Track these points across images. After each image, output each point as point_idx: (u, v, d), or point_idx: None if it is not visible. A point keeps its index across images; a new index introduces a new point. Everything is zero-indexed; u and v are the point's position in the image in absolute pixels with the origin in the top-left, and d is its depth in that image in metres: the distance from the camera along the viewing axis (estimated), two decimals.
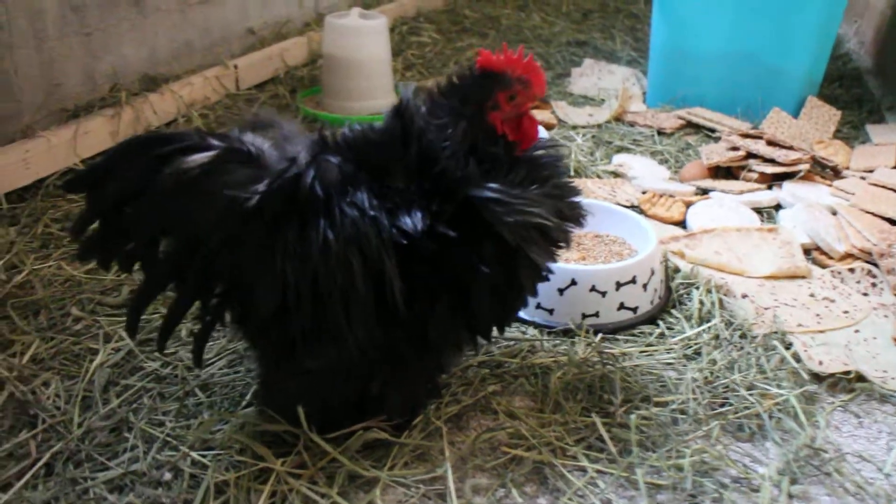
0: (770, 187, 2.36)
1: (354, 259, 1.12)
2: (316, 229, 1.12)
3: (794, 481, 1.30)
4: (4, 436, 1.35)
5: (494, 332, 1.32)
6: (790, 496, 1.27)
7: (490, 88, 1.25)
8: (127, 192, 1.14)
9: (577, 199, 1.30)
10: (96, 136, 2.31)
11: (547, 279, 1.30)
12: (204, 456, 1.32)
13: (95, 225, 1.18)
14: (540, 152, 1.30)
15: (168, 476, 1.29)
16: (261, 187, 1.13)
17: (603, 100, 3.07)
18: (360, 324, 1.15)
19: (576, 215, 1.30)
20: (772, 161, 2.41)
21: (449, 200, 1.18)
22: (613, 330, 1.66)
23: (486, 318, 1.27)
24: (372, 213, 1.14)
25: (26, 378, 1.48)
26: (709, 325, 1.67)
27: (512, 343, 1.61)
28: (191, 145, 1.14)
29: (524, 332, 1.65)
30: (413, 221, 1.15)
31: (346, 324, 1.14)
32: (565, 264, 1.68)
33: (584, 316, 1.65)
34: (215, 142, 1.16)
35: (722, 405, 1.47)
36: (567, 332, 1.64)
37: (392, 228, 1.14)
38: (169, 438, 1.35)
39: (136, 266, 1.21)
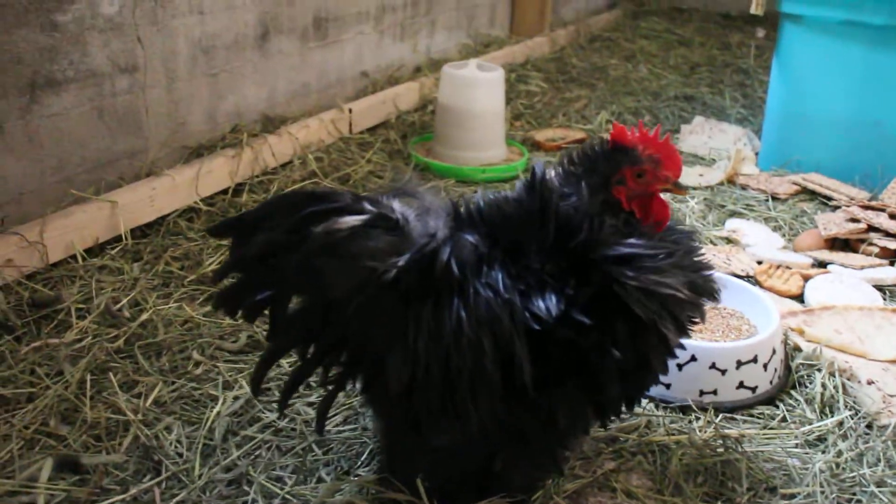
0: (893, 263, 2.27)
1: (486, 341, 1.12)
2: (450, 308, 1.13)
3: None
4: (130, 479, 1.39)
5: (623, 410, 1.30)
6: None
7: (618, 162, 1.24)
8: (274, 245, 1.16)
9: (710, 272, 1.28)
10: (217, 175, 2.38)
11: (675, 356, 1.27)
12: None
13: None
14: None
15: None
16: (401, 261, 1.13)
17: (714, 160, 3.02)
18: (487, 405, 1.14)
19: (710, 288, 1.27)
20: (895, 236, 2.33)
21: (585, 280, 1.16)
22: (731, 409, 1.62)
23: (616, 400, 1.25)
24: (506, 295, 1.14)
25: (150, 422, 1.52)
26: (833, 413, 1.61)
27: (629, 417, 1.58)
28: (344, 207, 1.15)
29: (641, 407, 1.62)
30: (547, 306, 1.14)
31: (473, 404, 1.14)
32: (686, 340, 1.65)
33: (702, 393, 1.62)
34: (368, 206, 1.17)
35: (850, 502, 1.41)
36: (684, 409, 1.61)
37: (525, 312, 1.14)
38: (288, 496, 1.37)
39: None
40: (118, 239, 2.11)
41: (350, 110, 2.96)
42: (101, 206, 2.08)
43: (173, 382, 1.64)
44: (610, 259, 1.16)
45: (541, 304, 1.14)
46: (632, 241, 1.19)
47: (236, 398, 1.60)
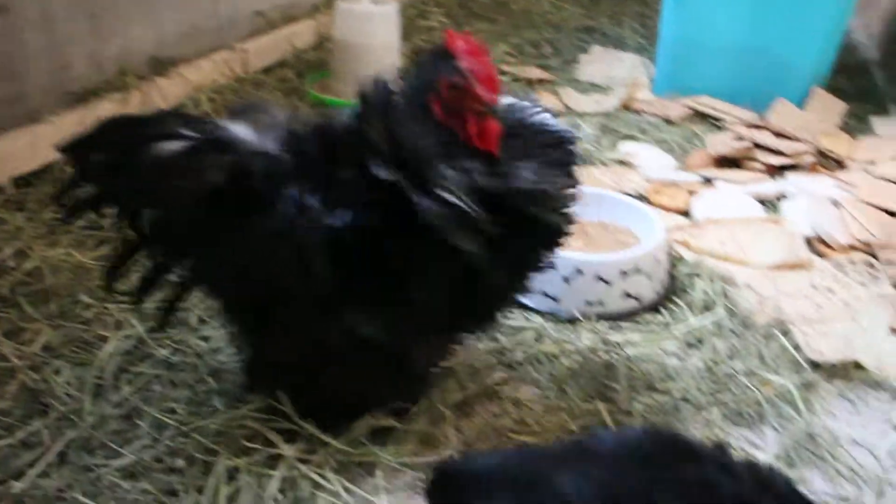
0: (775, 178, 2.37)
1: (285, 251, 1.17)
2: (255, 220, 1.19)
3: (790, 465, 1.34)
4: (18, 424, 1.37)
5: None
6: None
7: (437, 71, 1.20)
8: (110, 165, 1.24)
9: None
10: None
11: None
12: (216, 443, 1.34)
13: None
14: None
15: (181, 463, 1.32)
16: (216, 178, 1.19)
17: (611, 87, 3.07)
18: (293, 317, 1.21)
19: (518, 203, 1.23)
20: (777, 152, 2.42)
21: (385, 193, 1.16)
22: (618, 318, 1.68)
23: (426, 311, 1.23)
24: (309, 205, 1.17)
25: (37, 366, 1.49)
26: (712, 317, 1.69)
27: (517, 331, 1.63)
28: (166, 133, 1.20)
29: (529, 320, 1.67)
30: (345, 217, 1.16)
31: (283, 317, 1.22)
32: (571, 253, 1.70)
33: (589, 304, 1.68)
34: (189, 132, 1.21)
35: (723, 392, 1.49)
36: (572, 321, 1.66)
37: (325, 221, 1.17)
38: (181, 426, 1.38)
39: None
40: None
41: (244, 50, 2.90)
42: None
43: (62, 326, 1.61)
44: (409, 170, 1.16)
45: (341, 215, 1.17)
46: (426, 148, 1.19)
47: (128, 337, 1.59)
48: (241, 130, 1.24)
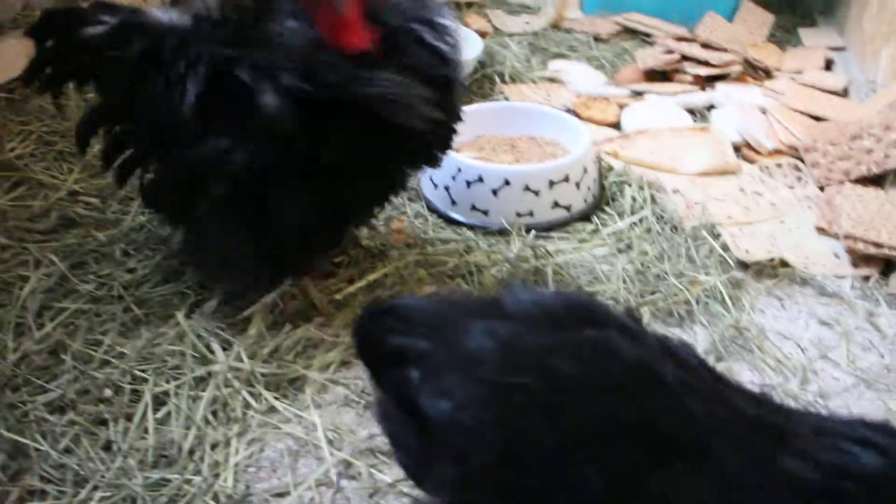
0: (704, 89, 2.37)
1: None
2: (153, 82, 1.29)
3: (719, 359, 1.37)
4: None
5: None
6: None
7: None
8: (56, 48, 1.39)
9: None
10: (11, 59, 2.18)
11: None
12: (144, 370, 1.32)
13: None
14: None
15: (109, 393, 1.30)
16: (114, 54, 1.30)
17: (540, 7, 3.03)
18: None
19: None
20: (705, 63, 2.42)
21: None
22: (548, 228, 1.69)
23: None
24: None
25: None
26: (639, 216, 1.70)
27: (446, 243, 1.62)
28: (88, 19, 1.33)
29: (460, 234, 1.67)
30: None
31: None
32: (499, 165, 1.70)
33: (519, 216, 1.67)
34: (108, 17, 1.32)
35: (653, 293, 1.51)
36: (502, 232, 1.66)
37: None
38: (107, 357, 1.35)
39: None
40: None
41: None
42: None
43: None
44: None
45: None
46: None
47: (50, 275, 1.54)
48: (160, 14, 1.33)
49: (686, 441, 0.69)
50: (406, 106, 1.21)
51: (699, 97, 2.30)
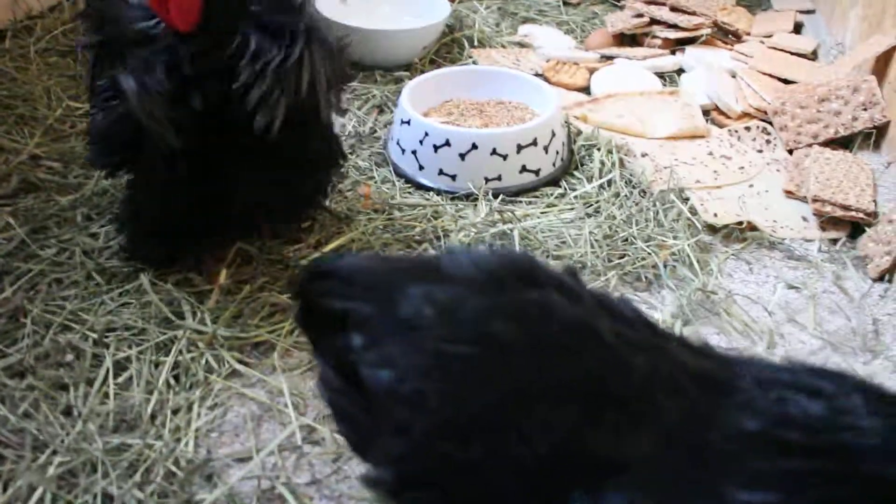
0: (673, 53, 2.37)
1: None
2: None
3: (686, 323, 1.37)
4: None
5: None
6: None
7: None
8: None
9: None
10: None
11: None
12: (105, 335, 1.31)
13: None
14: None
15: (70, 357, 1.28)
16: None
17: None
18: None
19: None
20: (675, 27, 2.41)
21: None
22: (516, 193, 1.68)
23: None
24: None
25: None
26: (606, 179, 1.70)
27: (415, 209, 1.61)
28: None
29: (427, 199, 1.65)
30: None
31: None
32: (466, 129, 1.68)
33: (487, 180, 1.66)
34: None
35: (621, 257, 1.51)
36: (469, 197, 1.65)
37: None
38: (68, 322, 1.33)
39: None
40: None
41: None
42: None
43: None
44: None
45: None
46: None
47: (10, 239, 1.51)
48: None
49: (628, 396, 0.69)
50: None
51: (668, 61, 2.29)
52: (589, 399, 0.69)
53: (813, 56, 2.30)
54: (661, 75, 2.22)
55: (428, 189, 1.68)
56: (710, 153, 1.88)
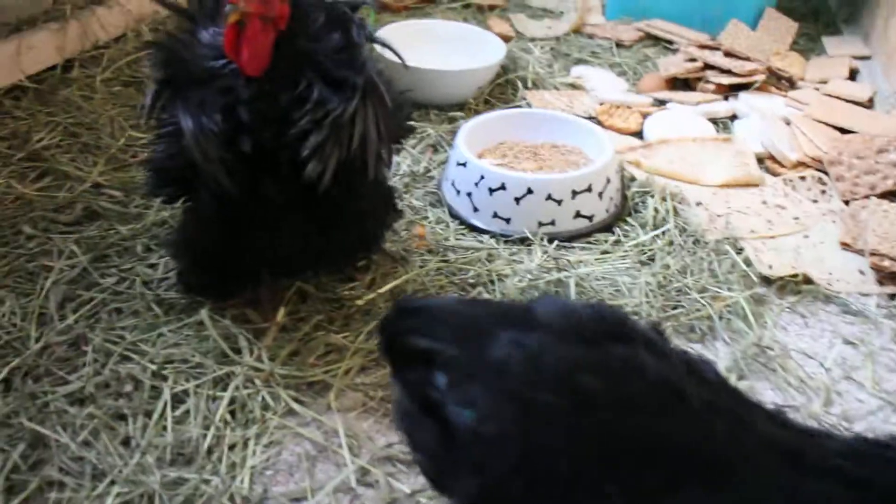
0: (727, 98, 2.36)
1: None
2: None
3: (741, 377, 1.35)
4: None
5: None
6: None
7: None
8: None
9: None
10: (42, 50, 2.23)
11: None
12: (163, 368, 1.33)
13: None
14: None
15: (129, 388, 1.30)
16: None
17: (562, 12, 3.02)
18: None
19: None
20: (728, 72, 2.41)
21: None
22: (569, 238, 1.68)
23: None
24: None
25: None
26: (663, 230, 1.69)
27: (469, 251, 1.62)
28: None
29: (481, 241, 1.67)
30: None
31: None
32: (522, 173, 1.69)
33: (541, 224, 1.67)
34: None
35: (674, 308, 1.50)
36: (524, 241, 1.66)
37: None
38: (128, 352, 1.36)
39: None
40: None
41: None
42: None
43: (4, 257, 1.57)
44: None
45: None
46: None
47: (73, 267, 1.55)
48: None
49: (707, 461, 0.69)
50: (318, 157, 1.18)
51: (722, 106, 2.29)
52: (669, 460, 0.69)
53: (869, 104, 2.29)
54: (714, 121, 2.22)
55: (482, 231, 1.69)
56: (764, 202, 1.87)
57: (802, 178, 1.95)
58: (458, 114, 2.13)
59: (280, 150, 1.17)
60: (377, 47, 1.30)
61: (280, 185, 1.20)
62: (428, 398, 0.79)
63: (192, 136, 1.16)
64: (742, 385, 1.34)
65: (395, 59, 1.34)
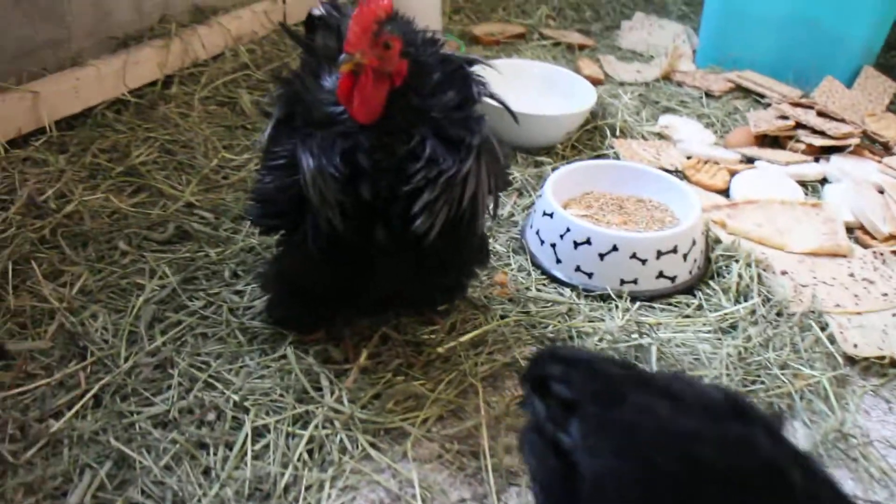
0: (817, 160, 2.32)
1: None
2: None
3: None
4: (55, 365, 1.40)
5: None
6: None
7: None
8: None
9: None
10: (145, 66, 2.32)
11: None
12: (246, 400, 1.36)
13: None
14: None
15: (211, 417, 1.34)
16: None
17: (652, 56, 3.02)
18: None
19: None
20: (821, 133, 2.37)
21: None
22: (650, 298, 1.67)
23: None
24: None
25: (76, 309, 1.52)
26: (746, 299, 1.67)
27: (550, 304, 1.63)
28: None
29: (562, 294, 1.67)
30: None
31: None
32: (607, 229, 1.69)
33: (623, 282, 1.66)
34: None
35: (754, 382, 1.48)
36: (605, 298, 1.66)
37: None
38: (211, 380, 1.40)
39: None
40: (42, 131, 2.06)
41: (284, 1, 2.88)
42: (22, 96, 2.01)
43: (99, 271, 1.63)
44: None
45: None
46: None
47: (163, 287, 1.60)
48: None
49: None
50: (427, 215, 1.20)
51: (812, 168, 2.25)
52: None
53: None
54: (803, 183, 2.19)
55: (563, 283, 1.69)
56: (852, 275, 1.83)
57: (894, 251, 1.90)
58: (545, 158, 2.14)
59: (394, 200, 1.19)
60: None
61: (389, 233, 1.22)
62: (559, 441, 0.86)
63: (312, 177, 1.19)
64: None
65: (506, 112, 1.36)
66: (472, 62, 1.27)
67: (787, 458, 0.80)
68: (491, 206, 1.31)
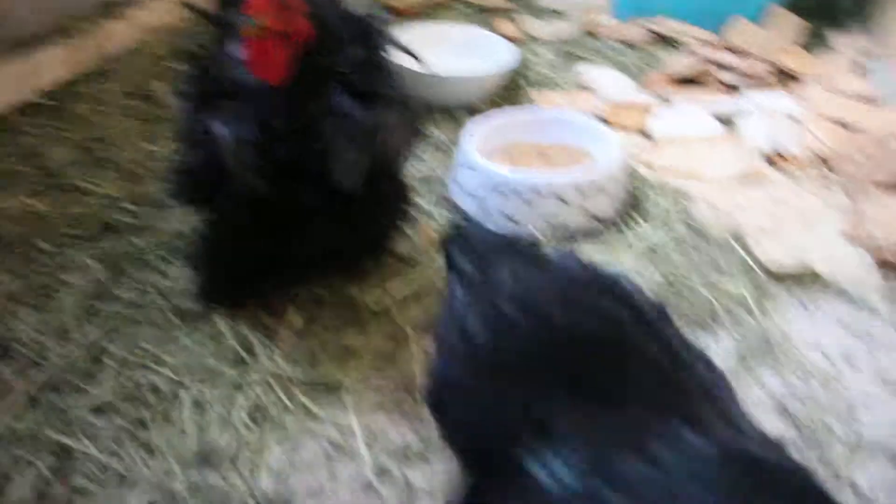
0: (733, 96, 2.38)
1: None
2: None
3: (747, 368, 1.40)
4: None
5: None
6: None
7: None
8: None
9: None
10: (53, 66, 2.26)
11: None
12: (183, 375, 1.36)
13: None
14: None
15: (150, 397, 1.34)
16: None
17: (570, 13, 3.04)
18: None
19: None
20: (734, 70, 2.43)
21: None
22: (578, 236, 1.71)
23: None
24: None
25: (0, 315, 1.49)
26: (668, 226, 1.72)
27: None
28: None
29: None
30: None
31: None
32: (530, 175, 1.72)
33: (549, 224, 1.69)
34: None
35: (681, 302, 1.52)
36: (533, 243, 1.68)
37: None
38: (147, 362, 1.39)
39: None
40: None
41: None
42: None
43: (23, 275, 1.59)
44: None
45: None
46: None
47: (90, 281, 1.59)
48: None
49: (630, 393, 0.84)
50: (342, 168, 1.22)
51: (728, 104, 2.30)
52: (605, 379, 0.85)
53: (875, 100, 2.29)
54: (720, 119, 2.23)
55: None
56: (769, 198, 1.88)
57: (807, 173, 1.96)
58: (464, 115, 2.15)
59: (310, 158, 1.20)
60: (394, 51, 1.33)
61: (310, 190, 1.23)
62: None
63: (228, 146, 1.21)
64: (748, 375, 1.37)
65: (414, 63, 1.37)
66: (376, 18, 1.29)
67: (638, 327, 0.89)
68: (407, 154, 1.33)
